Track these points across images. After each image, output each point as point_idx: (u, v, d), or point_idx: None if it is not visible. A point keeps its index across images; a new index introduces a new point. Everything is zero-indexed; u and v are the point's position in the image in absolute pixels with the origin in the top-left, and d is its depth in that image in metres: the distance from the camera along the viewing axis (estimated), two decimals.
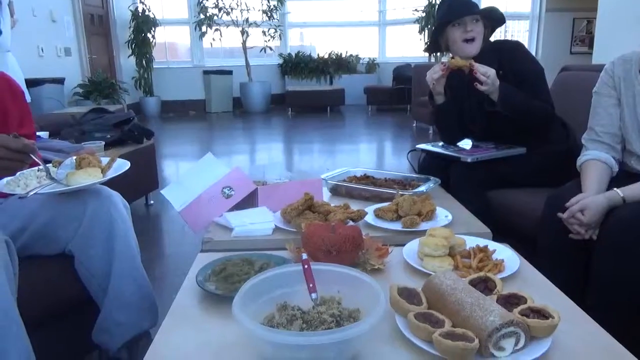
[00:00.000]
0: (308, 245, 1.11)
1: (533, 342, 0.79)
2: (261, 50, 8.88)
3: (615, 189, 1.33)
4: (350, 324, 0.77)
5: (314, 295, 0.85)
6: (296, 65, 9.50)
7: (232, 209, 1.48)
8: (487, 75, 1.68)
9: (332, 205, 1.46)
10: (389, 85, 8.79)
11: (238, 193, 1.51)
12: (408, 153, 2.23)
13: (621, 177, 1.46)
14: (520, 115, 1.76)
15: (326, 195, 1.74)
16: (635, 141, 1.47)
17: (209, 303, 0.99)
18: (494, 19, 1.88)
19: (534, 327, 0.79)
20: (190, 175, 1.62)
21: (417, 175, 1.84)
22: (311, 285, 0.87)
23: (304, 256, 0.90)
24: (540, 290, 1.02)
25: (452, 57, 1.84)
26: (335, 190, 1.75)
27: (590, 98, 1.61)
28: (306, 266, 0.88)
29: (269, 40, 8.88)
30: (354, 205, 1.47)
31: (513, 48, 1.84)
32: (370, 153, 5.57)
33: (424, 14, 8.22)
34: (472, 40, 1.81)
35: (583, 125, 1.64)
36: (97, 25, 7.59)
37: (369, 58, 9.80)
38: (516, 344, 0.77)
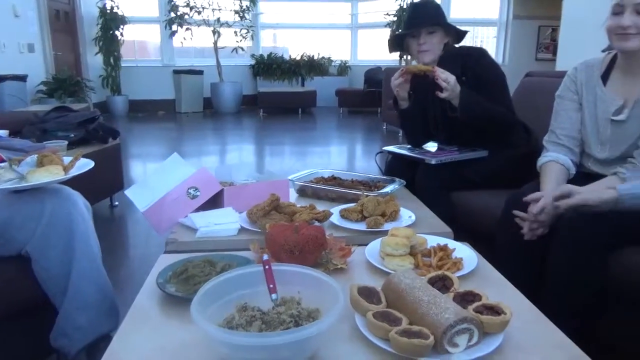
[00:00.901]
0: (271, 246, 1.12)
1: (486, 337, 0.82)
2: (233, 51, 8.82)
3: None
4: (308, 324, 0.77)
5: (274, 296, 0.86)
6: (268, 66, 9.47)
7: (197, 210, 1.47)
8: (447, 81, 1.71)
9: (298, 206, 1.47)
10: (361, 88, 8.87)
11: (204, 194, 1.50)
12: (376, 155, 2.26)
13: (578, 177, 1.52)
14: (481, 121, 1.81)
15: (293, 196, 1.75)
16: (594, 144, 1.53)
17: (169, 305, 0.98)
18: (456, 30, 1.93)
19: (486, 323, 0.81)
20: (155, 176, 1.60)
21: (383, 177, 1.86)
22: (271, 286, 0.87)
23: (265, 257, 0.91)
24: (496, 287, 1.05)
25: (416, 63, 1.89)
26: (302, 191, 1.76)
27: (552, 103, 1.67)
28: (267, 267, 0.89)
29: (240, 40, 8.83)
30: (321, 206, 1.48)
31: (477, 54, 1.89)
32: (341, 155, 5.61)
33: (395, 18, 8.34)
34: (425, 50, 1.86)
35: (545, 128, 1.70)
36: (62, 21, 7.39)
37: (341, 60, 9.86)
38: (470, 340, 0.80)
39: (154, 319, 0.94)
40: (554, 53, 7.32)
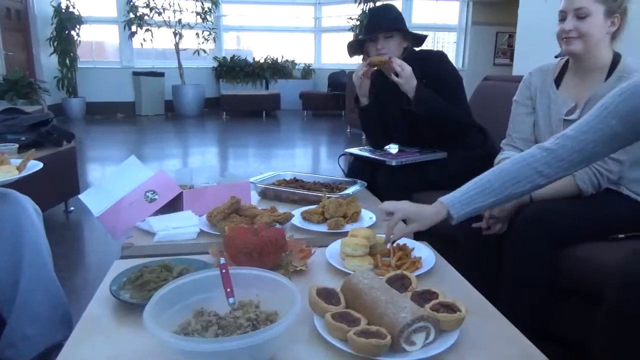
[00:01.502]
0: (230, 249, 1.10)
1: (443, 335, 0.83)
2: (195, 53, 8.68)
3: None
4: (265, 328, 0.76)
5: (231, 300, 0.84)
6: (231, 68, 9.38)
7: (156, 214, 1.44)
8: (402, 67, 1.77)
9: (259, 208, 1.45)
10: (325, 91, 8.91)
11: (162, 197, 1.46)
12: (339, 157, 2.27)
13: None
14: (435, 118, 1.84)
15: (255, 199, 1.73)
16: None
17: (123, 313, 0.94)
18: (414, 35, 1.97)
19: (442, 321, 0.83)
20: (112, 179, 1.55)
21: (345, 179, 1.87)
22: (229, 290, 0.85)
23: (222, 260, 0.89)
24: (454, 285, 1.07)
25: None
26: (264, 194, 1.75)
27: (508, 106, 1.72)
28: (224, 270, 0.87)
29: (203, 42, 8.70)
30: (282, 209, 1.47)
31: (435, 58, 1.93)
32: (305, 157, 5.61)
33: (358, 22, 8.42)
34: (384, 54, 1.89)
35: (502, 130, 1.75)
36: (14, 20, 7.08)
37: (305, 64, 9.88)
38: (427, 337, 0.81)
39: (106, 328, 0.91)
40: (511, 58, 7.57)
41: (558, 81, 1.56)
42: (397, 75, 1.79)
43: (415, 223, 1.15)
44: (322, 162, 5.30)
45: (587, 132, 1.08)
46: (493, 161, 1.69)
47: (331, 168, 4.75)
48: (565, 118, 1.49)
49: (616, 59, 1.43)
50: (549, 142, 1.14)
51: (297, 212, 1.48)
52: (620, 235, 1.38)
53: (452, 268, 1.17)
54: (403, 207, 1.17)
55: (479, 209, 1.16)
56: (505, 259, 1.39)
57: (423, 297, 0.91)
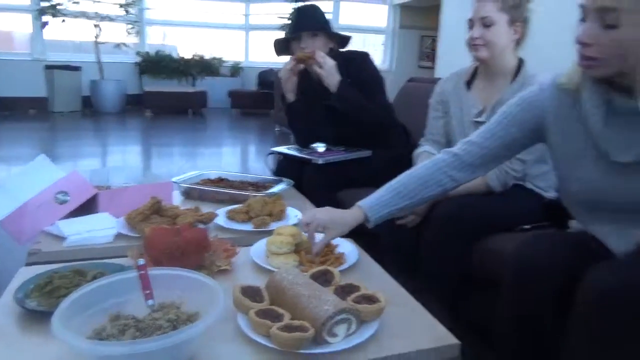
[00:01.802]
0: (151, 250, 1.06)
1: (364, 325, 0.86)
2: (116, 47, 8.24)
3: None
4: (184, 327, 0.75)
5: (150, 302, 0.82)
6: (156, 64, 8.99)
7: (68, 216, 1.35)
8: (324, 59, 1.82)
9: (182, 209, 1.41)
10: (254, 89, 8.83)
11: (74, 199, 1.38)
12: (266, 156, 2.26)
13: None
14: (355, 114, 1.89)
15: (178, 199, 1.68)
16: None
17: (29, 322, 0.88)
18: (339, 35, 2.01)
19: (363, 312, 0.85)
20: (17, 180, 1.44)
21: (272, 178, 1.87)
22: (147, 291, 0.83)
23: (141, 262, 0.86)
24: (375, 279, 1.11)
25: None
26: (187, 194, 1.70)
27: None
28: (142, 272, 0.84)
29: (125, 36, 8.28)
30: (207, 209, 1.44)
31: (359, 58, 1.99)
32: (233, 156, 5.52)
33: (288, 21, 8.42)
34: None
35: (424, 130, 1.83)
36: None
37: (234, 61, 9.72)
38: (348, 329, 0.83)
39: (10, 338, 0.84)
40: (434, 61, 7.96)
41: (469, 84, 1.67)
42: (320, 67, 1.82)
43: (332, 230, 1.16)
44: (251, 161, 5.25)
45: (490, 139, 1.16)
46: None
47: (260, 167, 4.72)
48: (475, 120, 1.60)
49: (520, 64, 1.56)
50: (457, 147, 1.21)
51: (221, 211, 1.45)
52: (526, 227, 1.50)
53: (374, 262, 1.21)
54: (319, 216, 1.18)
55: (394, 212, 1.20)
56: (423, 252, 1.46)
57: (345, 291, 0.94)
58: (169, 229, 1.12)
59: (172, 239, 1.05)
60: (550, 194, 1.57)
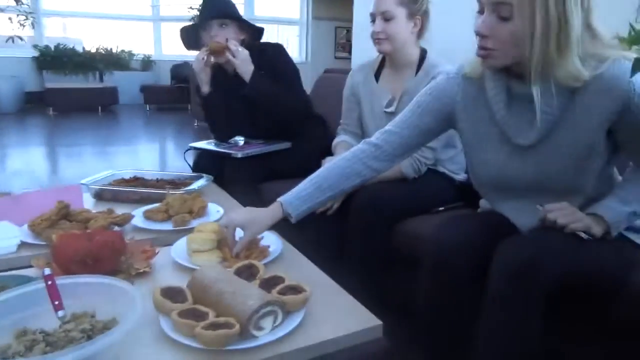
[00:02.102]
0: (60, 258, 1.00)
1: (290, 316, 0.87)
2: (8, 40, 7.50)
3: None
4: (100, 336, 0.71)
5: (60, 313, 0.77)
6: (57, 59, 8.32)
7: None
8: (237, 48, 1.81)
9: (94, 212, 1.33)
10: (168, 84, 8.49)
11: None
12: (185, 152, 2.19)
13: None
14: (270, 104, 1.89)
15: (90, 202, 1.58)
16: (374, 134, 1.73)
17: None
18: (251, 26, 1.99)
19: (288, 302, 0.86)
20: None
21: (191, 174, 1.82)
22: (56, 302, 0.77)
23: (47, 271, 0.80)
24: (300, 269, 1.12)
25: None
26: (99, 196, 1.60)
27: None
28: (49, 282, 0.78)
29: (18, 28, 7.56)
30: (123, 210, 1.37)
31: (272, 50, 1.98)
32: (151, 154, 5.29)
33: (199, 12, 8.16)
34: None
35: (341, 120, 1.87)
36: None
37: (144, 55, 9.25)
38: (275, 321, 0.84)
39: None
40: (350, 52, 8.11)
41: (377, 75, 1.72)
42: (233, 56, 1.81)
43: (249, 231, 1.15)
44: (169, 158, 5.06)
45: (407, 128, 1.22)
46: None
47: (179, 164, 4.56)
48: (386, 110, 1.66)
49: (423, 55, 1.63)
50: (375, 137, 1.25)
51: (138, 211, 1.39)
52: (441, 208, 1.60)
53: (298, 252, 1.22)
54: (235, 217, 1.16)
55: (316, 205, 1.22)
56: (346, 238, 1.50)
57: (270, 283, 0.94)
58: (79, 234, 1.06)
59: (83, 245, 0.98)
60: (461, 176, 1.68)
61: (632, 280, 1.06)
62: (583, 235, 1.02)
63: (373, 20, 1.60)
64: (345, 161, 1.23)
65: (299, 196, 1.19)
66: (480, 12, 1.01)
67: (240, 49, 1.83)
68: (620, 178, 1.16)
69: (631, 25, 0.67)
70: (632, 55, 0.71)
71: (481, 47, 1.02)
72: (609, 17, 1.02)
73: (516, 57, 1.00)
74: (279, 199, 1.20)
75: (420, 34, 1.62)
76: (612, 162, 1.11)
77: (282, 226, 1.38)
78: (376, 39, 1.59)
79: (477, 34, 1.01)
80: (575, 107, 1.01)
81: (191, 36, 1.99)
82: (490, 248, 1.05)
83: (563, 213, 1.03)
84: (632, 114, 0.97)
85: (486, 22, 0.99)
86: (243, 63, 1.83)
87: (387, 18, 1.55)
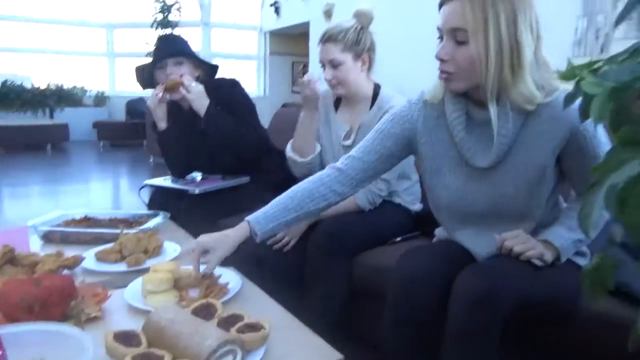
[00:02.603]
0: (4, 306, 0.94)
1: (250, 354, 0.85)
2: None
3: None
4: None
5: None
6: (5, 96, 8.05)
7: None
8: (190, 84, 1.82)
9: (42, 255, 1.27)
10: (122, 120, 8.34)
11: None
12: (139, 190, 2.14)
13: None
14: (226, 137, 1.89)
15: (37, 245, 1.51)
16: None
17: None
18: (206, 64, 2.02)
19: (247, 341, 0.85)
20: None
21: (146, 212, 1.78)
22: (0, 353, 0.73)
23: None
24: (260, 305, 1.10)
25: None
26: (48, 238, 1.54)
27: None
28: None
29: None
30: (72, 252, 1.31)
31: (229, 85, 2.00)
32: (104, 192, 5.13)
33: (154, 51, 8.13)
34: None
35: None
36: None
37: (98, 91, 9.08)
38: None
39: None
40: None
41: (336, 105, 1.77)
42: (188, 91, 1.81)
43: (216, 252, 1.15)
44: (123, 197, 4.92)
45: (369, 154, 1.25)
46: (292, 183, 1.81)
47: (134, 201, 4.43)
48: (343, 143, 1.69)
49: (376, 90, 1.69)
50: (340, 162, 1.27)
51: (90, 253, 1.34)
52: (398, 239, 1.62)
53: (258, 289, 1.20)
54: (201, 239, 1.16)
55: (281, 225, 1.23)
56: (307, 272, 1.50)
57: (229, 322, 0.92)
58: (26, 279, 1.01)
59: (29, 290, 0.94)
60: (416, 207, 1.72)
61: (583, 304, 1.11)
62: (537, 262, 1.06)
63: (323, 67, 1.65)
64: (310, 184, 1.25)
65: (266, 215, 1.21)
66: (440, 38, 1.08)
67: (194, 84, 1.84)
68: (564, 205, 1.23)
69: (569, 61, 0.72)
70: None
71: (442, 71, 1.08)
72: (547, 51, 1.09)
73: (475, 80, 1.05)
74: (246, 218, 1.22)
75: (370, 68, 1.68)
76: (558, 189, 1.17)
77: (241, 263, 1.37)
78: (330, 85, 1.65)
79: (438, 58, 1.07)
80: (528, 131, 1.08)
81: (146, 75, 1.99)
82: (451, 278, 1.07)
83: (518, 241, 1.07)
84: (577, 143, 1.04)
85: (445, 47, 1.05)
86: (198, 98, 1.83)
87: (335, 65, 1.61)
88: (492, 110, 1.05)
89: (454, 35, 1.03)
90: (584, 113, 0.49)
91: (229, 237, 1.18)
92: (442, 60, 1.06)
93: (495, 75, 1.01)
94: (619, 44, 3.19)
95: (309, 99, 1.63)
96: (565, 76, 0.54)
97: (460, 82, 1.07)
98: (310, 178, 1.28)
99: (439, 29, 1.07)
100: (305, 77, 1.63)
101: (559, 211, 1.19)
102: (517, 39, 1.00)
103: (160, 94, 1.88)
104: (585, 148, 1.05)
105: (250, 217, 1.21)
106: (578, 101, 0.52)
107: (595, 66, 0.52)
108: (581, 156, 1.06)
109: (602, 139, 1.05)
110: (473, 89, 1.08)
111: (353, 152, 1.27)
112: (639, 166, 0.40)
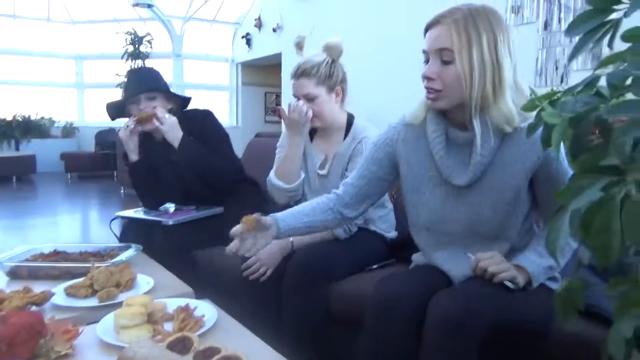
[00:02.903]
0: None
1: None
2: None
3: (290, 238, 1.55)
4: None
5: None
6: None
7: None
8: (164, 116, 1.83)
9: (8, 291, 1.23)
10: (92, 151, 8.20)
11: None
12: (110, 222, 2.10)
13: None
14: (200, 167, 1.89)
15: (4, 281, 1.45)
16: (307, 193, 1.75)
17: None
18: (178, 96, 2.03)
19: None
20: None
21: (118, 245, 1.74)
22: None
23: None
24: (237, 337, 1.08)
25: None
26: (14, 274, 1.48)
27: None
28: None
29: None
30: (40, 287, 1.27)
31: (201, 116, 2.01)
32: (72, 225, 4.98)
33: (125, 79, 8.09)
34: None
35: None
36: None
37: (66, 122, 8.94)
38: None
39: None
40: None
41: (311, 134, 1.79)
42: (161, 123, 1.82)
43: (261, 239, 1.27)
44: (94, 229, 4.79)
45: (359, 179, 1.32)
46: (266, 211, 1.80)
47: (105, 234, 4.32)
48: (319, 172, 1.71)
49: (350, 120, 1.73)
50: (340, 189, 1.36)
51: (59, 288, 1.30)
52: (375, 266, 1.63)
53: (234, 320, 1.18)
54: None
55: (298, 227, 1.31)
56: (284, 301, 1.49)
57: (206, 355, 0.91)
58: None
59: None
60: (392, 234, 1.74)
61: (556, 326, 1.13)
62: (510, 284, 1.09)
63: (298, 100, 1.67)
64: (318, 199, 1.35)
65: (289, 213, 1.31)
66: (426, 62, 1.15)
67: (168, 115, 1.85)
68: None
69: (532, 90, 0.76)
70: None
71: (429, 90, 1.14)
72: None
73: (458, 98, 1.11)
74: (270, 215, 1.30)
75: (343, 99, 1.71)
76: (532, 215, 1.22)
77: (216, 295, 1.35)
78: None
79: (425, 77, 1.13)
80: (504, 153, 1.13)
81: (117, 109, 1.99)
82: (427, 302, 1.09)
83: (493, 261, 1.10)
84: (547, 169, 1.10)
85: (432, 67, 1.12)
86: (171, 129, 1.84)
87: (310, 98, 1.63)
88: (476, 126, 1.11)
89: (440, 55, 1.10)
90: (546, 141, 0.52)
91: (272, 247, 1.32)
92: (429, 79, 1.13)
93: (478, 91, 1.08)
94: (578, 74, 3.37)
95: (295, 122, 1.64)
96: (527, 107, 0.58)
97: (445, 99, 1.13)
98: (316, 198, 1.36)
99: (424, 51, 1.15)
100: (292, 102, 1.65)
101: (533, 236, 1.22)
102: (498, 60, 1.08)
103: (132, 126, 1.88)
104: (553, 173, 1.10)
105: (276, 214, 1.29)
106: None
107: (555, 97, 0.56)
108: (550, 181, 1.11)
109: (567, 167, 1.10)
110: (455, 108, 1.14)
111: (348, 177, 1.36)
112: (599, 192, 0.43)
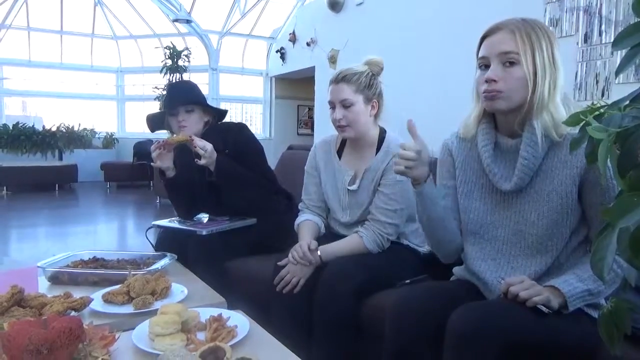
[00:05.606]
0: (11, 349, 0.93)
1: None
2: None
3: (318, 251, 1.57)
4: None
5: None
6: (15, 137, 8.22)
7: None
8: (205, 149, 1.79)
9: (50, 296, 1.27)
10: (130, 161, 8.45)
11: None
12: (146, 231, 2.15)
13: (328, 237, 1.74)
14: (237, 187, 1.91)
15: (45, 286, 1.51)
16: (337, 210, 1.76)
17: None
18: (215, 109, 2.08)
19: None
20: None
21: (154, 253, 1.77)
22: None
23: None
24: (269, 349, 1.09)
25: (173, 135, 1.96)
26: (56, 279, 1.53)
27: None
28: None
29: None
30: (79, 293, 1.31)
31: (236, 129, 2.03)
32: (110, 233, 5.13)
33: (164, 92, 8.34)
34: (184, 126, 1.95)
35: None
36: None
37: (107, 132, 9.27)
38: None
39: None
40: (312, 128, 8.41)
41: (339, 152, 1.79)
42: (199, 157, 1.80)
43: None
44: (130, 237, 4.92)
45: (445, 198, 1.34)
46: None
47: (140, 242, 4.43)
48: (349, 188, 1.71)
49: (382, 135, 1.71)
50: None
51: (97, 294, 1.34)
52: (407, 281, 1.61)
53: (265, 331, 1.19)
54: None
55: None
56: (314, 312, 1.48)
57: None
58: (34, 321, 1.00)
59: (37, 333, 0.93)
60: (424, 249, 1.72)
61: (602, 353, 1.06)
62: (543, 308, 1.05)
63: (332, 107, 1.66)
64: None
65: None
66: (481, 67, 1.18)
67: (206, 146, 1.80)
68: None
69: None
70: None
71: (490, 91, 1.15)
72: None
73: (518, 100, 1.14)
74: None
75: (377, 114, 1.71)
76: (580, 233, 1.17)
77: (249, 306, 1.36)
78: (338, 125, 1.65)
79: (488, 80, 1.15)
80: (552, 160, 1.15)
81: (157, 121, 2.04)
82: (448, 314, 1.07)
83: (523, 286, 1.07)
84: (595, 175, 1.09)
85: (495, 70, 1.14)
86: (210, 158, 1.81)
87: (346, 105, 1.63)
88: (526, 130, 1.14)
89: (504, 58, 1.13)
90: (591, 157, 0.50)
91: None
92: (492, 81, 1.15)
93: (538, 92, 1.11)
94: (620, 87, 3.26)
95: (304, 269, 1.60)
96: (571, 122, 0.56)
97: (506, 101, 1.15)
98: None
99: (483, 57, 1.17)
100: (295, 254, 1.60)
101: (580, 257, 1.17)
102: (556, 64, 1.13)
103: (156, 153, 1.89)
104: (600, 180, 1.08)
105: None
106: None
107: (599, 111, 0.54)
108: (597, 189, 1.10)
109: (614, 181, 1.07)
110: (509, 112, 1.16)
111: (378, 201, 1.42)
112: None
